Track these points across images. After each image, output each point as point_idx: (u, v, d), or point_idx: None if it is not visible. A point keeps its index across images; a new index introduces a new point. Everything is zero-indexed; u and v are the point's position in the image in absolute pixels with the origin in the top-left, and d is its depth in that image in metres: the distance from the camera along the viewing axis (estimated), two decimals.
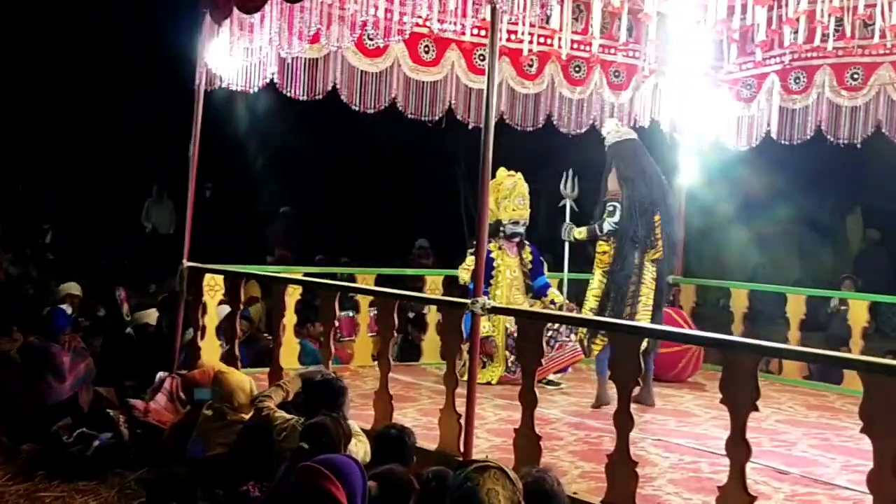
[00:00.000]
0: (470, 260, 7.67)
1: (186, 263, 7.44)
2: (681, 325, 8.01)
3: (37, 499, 5.58)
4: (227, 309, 7.54)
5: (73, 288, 9.66)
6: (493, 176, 7.71)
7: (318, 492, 3.52)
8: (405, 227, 15.64)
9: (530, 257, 7.87)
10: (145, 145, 15.69)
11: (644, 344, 5.29)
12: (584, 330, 7.01)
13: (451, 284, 9.08)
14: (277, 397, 5.36)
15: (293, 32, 6.38)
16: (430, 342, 8.62)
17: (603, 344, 6.85)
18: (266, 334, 8.74)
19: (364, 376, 7.72)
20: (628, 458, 4.42)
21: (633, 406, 4.47)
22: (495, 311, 5.42)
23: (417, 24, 6.56)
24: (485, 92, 5.23)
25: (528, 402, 4.89)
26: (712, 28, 6.79)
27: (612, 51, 8.28)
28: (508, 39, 7.70)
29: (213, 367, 6.23)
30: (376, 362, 8.02)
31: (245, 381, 5.84)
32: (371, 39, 7.05)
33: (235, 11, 6.49)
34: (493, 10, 5.01)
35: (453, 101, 7.82)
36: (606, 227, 6.92)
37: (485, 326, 6.93)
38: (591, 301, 7.03)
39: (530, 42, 7.74)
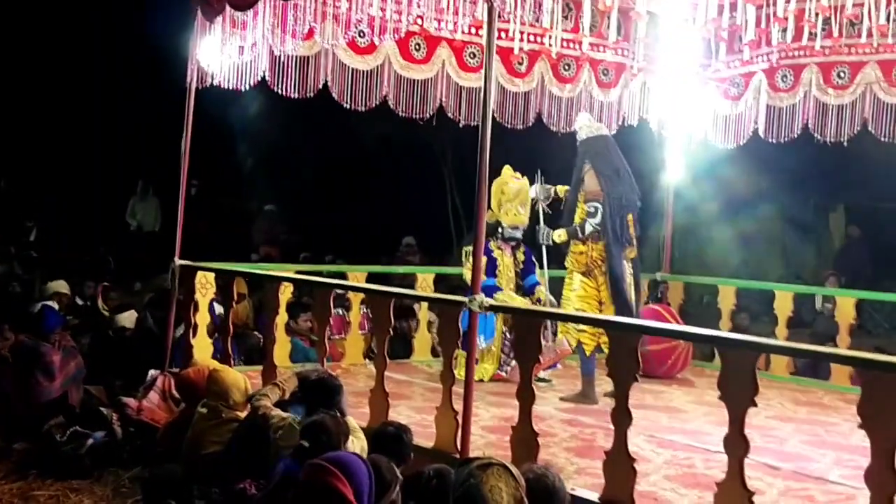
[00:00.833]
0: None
1: (178, 261, 7.42)
2: (670, 322, 8.06)
3: (31, 497, 5.55)
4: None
5: (61, 286, 9.60)
6: (498, 174, 7.77)
7: (325, 489, 3.54)
8: (392, 225, 15.64)
9: (523, 258, 7.90)
10: (131, 142, 15.61)
11: None
12: (573, 328, 7.06)
13: (440, 282, 9.12)
14: (274, 396, 5.35)
15: (286, 30, 6.37)
16: (422, 339, 8.65)
17: (594, 343, 6.91)
18: (255, 332, 8.72)
19: (356, 374, 7.73)
20: (626, 455, 4.45)
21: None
22: (493, 308, 5.43)
23: (411, 23, 6.58)
24: (479, 90, 5.24)
25: (526, 399, 4.92)
26: (701, 27, 6.84)
27: (602, 49, 8.31)
28: (499, 38, 7.68)
29: (207, 365, 6.20)
30: (367, 360, 8.13)
31: (240, 379, 5.83)
32: (363, 37, 7.07)
33: (228, 9, 6.47)
34: (490, 9, 5.03)
35: (444, 99, 7.83)
36: (588, 228, 6.96)
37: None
38: (574, 301, 7.05)
39: (521, 40, 7.76)
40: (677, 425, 6.38)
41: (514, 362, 7.34)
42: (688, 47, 7.91)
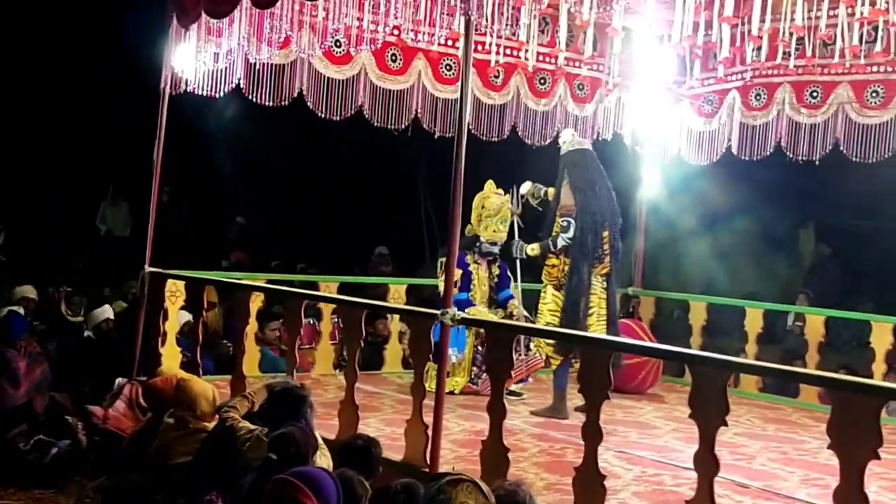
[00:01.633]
0: None
1: (148, 269, 7.35)
2: (641, 337, 8.09)
3: None
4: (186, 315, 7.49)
5: (29, 291, 9.50)
6: (480, 188, 7.76)
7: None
8: (364, 234, 15.59)
9: (498, 271, 7.89)
10: (104, 147, 15.46)
11: None
12: (545, 342, 7.05)
13: (412, 293, 9.08)
14: (242, 408, 5.30)
15: (262, 38, 6.34)
16: (393, 351, 8.61)
17: (561, 359, 6.91)
18: (225, 340, 8.66)
19: (325, 385, 7.68)
20: (596, 472, 4.45)
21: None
22: (465, 322, 5.41)
23: (388, 34, 6.57)
24: (454, 102, 5.22)
25: (497, 414, 4.90)
26: (676, 44, 6.87)
27: (577, 64, 8.34)
28: (476, 50, 7.69)
29: (174, 374, 6.14)
30: (337, 370, 8.08)
31: (208, 388, 5.78)
32: (339, 47, 7.05)
33: (204, 16, 6.43)
34: (468, 22, 5.03)
35: (419, 111, 7.82)
36: (561, 242, 6.96)
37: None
38: (545, 315, 7.05)
39: (497, 53, 7.77)
40: (647, 441, 6.38)
41: (485, 375, 7.33)
42: (663, 64, 7.94)
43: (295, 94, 7.22)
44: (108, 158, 15.20)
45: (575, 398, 6.58)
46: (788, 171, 8.89)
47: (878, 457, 3.55)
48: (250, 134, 15.17)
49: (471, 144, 7.38)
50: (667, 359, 7.66)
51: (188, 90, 7.13)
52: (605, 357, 4.51)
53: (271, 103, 7.15)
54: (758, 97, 8.28)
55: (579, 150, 7.26)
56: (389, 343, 8.66)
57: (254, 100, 7.12)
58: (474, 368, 7.62)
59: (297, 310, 6.21)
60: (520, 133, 8.36)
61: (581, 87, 8.56)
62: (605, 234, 7.04)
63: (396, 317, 8.54)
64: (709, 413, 4.05)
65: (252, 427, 5.09)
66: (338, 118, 7.43)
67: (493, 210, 7.75)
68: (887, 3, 5.99)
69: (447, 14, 6.34)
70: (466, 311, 7.07)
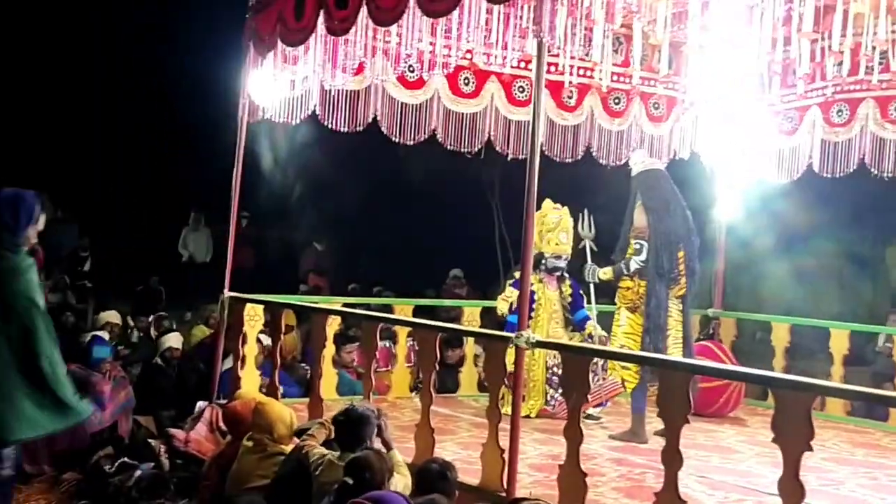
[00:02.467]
0: (509, 291, 7.66)
1: (227, 293, 7.46)
2: (722, 360, 7.92)
3: None
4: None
5: (112, 316, 9.74)
6: (538, 207, 7.72)
7: None
8: (439, 257, 15.63)
9: (570, 291, 7.82)
10: (184, 173, 15.82)
11: None
12: (620, 365, 6.96)
13: (486, 315, 9.05)
14: (321, 436, 5.36)
15: (336, 65, 6.42)
16: (468, 374, 8.58)
17: (636, 381, 6.81)
18: (303, 364, 8.73)
19: (402, 408, 7.69)
20: (676, 497, 4.34)
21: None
22: (540, 345, 5.36)
23: (460, 58, 6.60)
24: (527, 123, 5.20)
25: (574, 438, 4.82)
26: (755, 61, 6.76)
27: (652, 83, 8.26)
28: (549, 71, 7.69)
29: (253, 397, 6.21)
30: (413, 393, 8.08)
31: (285, 412, 5.84)
32: (412, 72, 7.10)
33: (280, 44, 6.54)
34: (540, 44, 5.01)
35: (492, 133, 7.83)
36: (633, 265, 6.88)
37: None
38: (620, 338, 6.98)
39: (570, 74, 7.74)
40: (729, 466, 6.23)
41: (560, 397, 7.26)
42: (741, 81, 7.80)
43: (369, 120, 7.29)
44: (190, 184, 15.54)
45: (654, 422, 6.48)
46: (873, 188, 8.65)
47: None
48: (326, 159, 15.37)
49: (545, 165, 7.44)
50: (747, 381, 7.49)
51: (265, 118, 7.25)
52: (683, 380, 4.42)
53: (346, 129, 7.23)
54: (840, 113, 8.08)
55: (651, 171, 7.17)
56: (465, 366, 8.63)
57: (329, 126, 7.21)
58: (549, 390, 7.55)
59: (372, 333, 6.23)
60: (594, 153, 8.31)
61: (657, 105, 8.48)
62: (681, 254, 6.93)
63: (471, 340, 8.52)
64: (793, 437, 3.93)
65: (324, 452, 5.13)
66: (411, 142, 7.48)
67: (553, 224, 7.70)
68: None
69: (519, 36, 6.33)
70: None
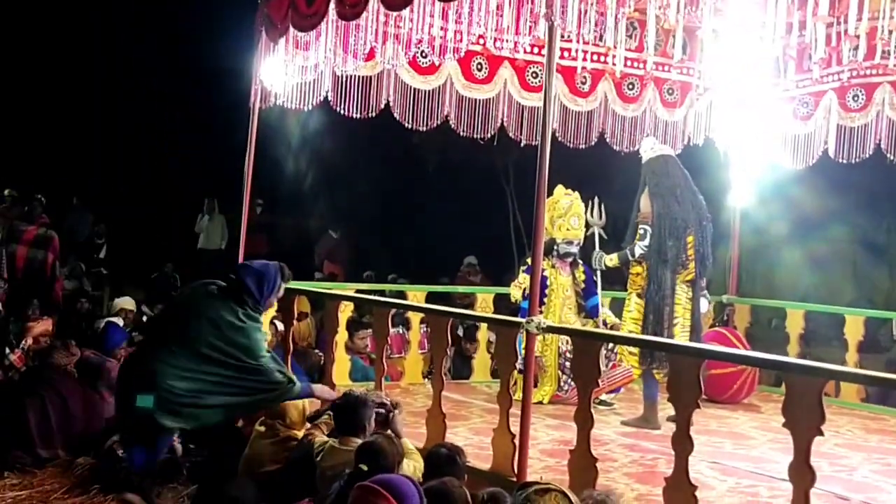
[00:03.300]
0: (522, 277, 7.65)
1: None
2: (735, 346, 7.89)
3: None
4: None
5: (127, 303, 9.79)
6: (550, 193, 7.69)
7: None
8: (453, 244, 15.64)
9: (583, 276, 7.81)
10: (199, 160, 15.88)
11: None
12: (628, 351, 6.96)
13: (500, 302, 9.04)
14: (328, 428, 5.40)
15: (348, 50, 6.40)
16: (481, 360, 8.59)
17: (642, 368, 6.81)
18: (317, 350, 8.75)
19: (415, 394, 7.70)
20: (687, 482, 4.33)
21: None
22: (551, 330, 5.35)
23: (472, 43, 6.57)
24: (540, 109, 5.17)
25: (584, 423, 4.82)
26: (769, 45, 6.71)
27: (666, 68, 8.22)
28: (562, 57, 7.67)
29: None
30: (427, 379, 8.09)
31: None
32: (424, 57, 7.08)
33: (291, 29, 6.53)
34: (551, 28, 4.98)
35: (506, 119, 7.81)
36: (638, 251, 6.86)
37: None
38: (628, 324, 6.97)
39: (584, 59, 7.71)
40: (742, 452, 6.22)
41: (572, 383, 7.25)
42: (755, 66, 7.75)
43: (382, 106, 7.28)
44: (206, 171, 15.60)
45: (667, 408, 6.46)
46: (889, 173, 8.58)
47: None
48: (341, 147, 15.38)
49: (562, 153, 7.42)
50: (758, 366, 7.48)
51: (277, 103, 7.24)
52: (694, 365, 4.41)
53: (359, 115, 7.22)
54: (856, 98, 8.01)
55: (660, 157, 7.13)
56: (478, 352, 8.64)
57: (342, 112, 7.20)
58: (562, 376, 7.54)
59: (384, 318, 6.24)
60: (608, 139, 8.28)
61: (671, 91, 8.43)
62: (690, 239, 6.89)
63: (484, 327, 8.52)
64: (803, 422, 3.90)
65: (325, 439, 5.22)
66: (424, 128, 7.47)
67: (564, 209, 7.68)
68: None
69: (531, 21, 6.30)
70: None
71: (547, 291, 7.61)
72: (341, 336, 7.54)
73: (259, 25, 7.06)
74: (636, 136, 8.32)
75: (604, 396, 7.41)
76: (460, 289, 11.12)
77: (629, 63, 7.95)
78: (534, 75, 7.78)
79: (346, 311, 7.65)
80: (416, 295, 8.65)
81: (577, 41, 7.30)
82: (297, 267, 13.15)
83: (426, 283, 10.40)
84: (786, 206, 11.85)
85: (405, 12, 5.82)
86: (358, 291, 8.50)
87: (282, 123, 13.14)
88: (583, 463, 4.78)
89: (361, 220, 17.00)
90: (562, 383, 7.54)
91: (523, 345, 5.18)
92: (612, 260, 7.15)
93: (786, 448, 4.01)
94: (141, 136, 16.51)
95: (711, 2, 6.15)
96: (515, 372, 5.54)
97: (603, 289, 7.68)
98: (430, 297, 8.76)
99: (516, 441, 5.05)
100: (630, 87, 8.28)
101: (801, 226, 13.09)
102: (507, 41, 6.85)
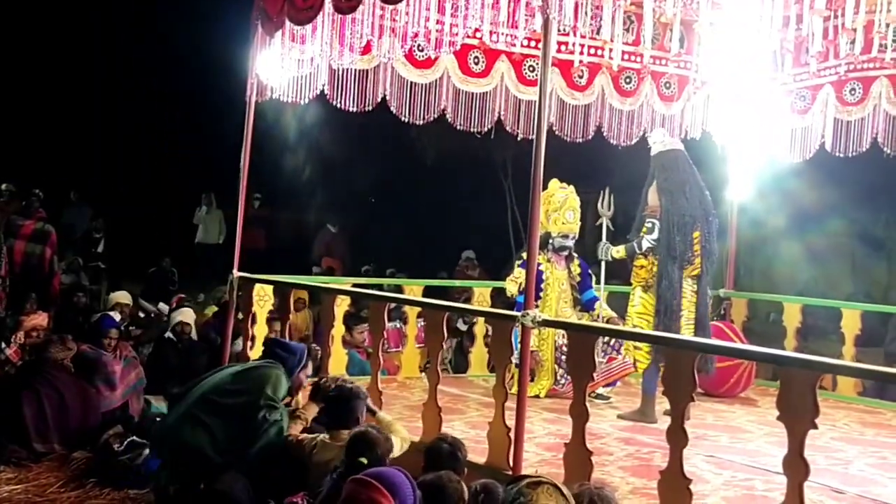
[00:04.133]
0: (518, 272, 7.63)
1: (236, 273, 7.48)
2: (732, 340, 7.89)
3: None
4: None
5: (123, 297, 9.78)
6: (545, 187, 7.68)
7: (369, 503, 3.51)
8: (451, 239, 15.64)
9: (579, 270, 7.80)
10: (197, 154, 15.88)
11: None
12: (632, 345, 6.95)
13: (498, 296, 9.05)
14: (298, 427, 5.43)
15: (344, 44, 6.39)
16: (478, 354, 8.59)
17: (647, 361, 6.79)
18: (314, 344, 8.75)
19: (411, 388, 7.71)
20: (681, 475, 4.34)
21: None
22: (546, 324, 5.35)
23: (468, 36, 6.55)
24: (536, 103, 5.16)
25: (579, 416, 4.83)
26: (767, 39, 6.69)
27: (663, 62, 8.20)
28: (559, 51, 7.66)
29: None
30: (423, 373, 8.09)
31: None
32: (421, 51, 7.06)
33: (287, 23, 6.52)
34: (546, 22, 4.98)
35: (502, 113, 7.80)
36: (645, 244, 6.84)
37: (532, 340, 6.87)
38: (633, 318, 6.96)
39: (581, 53, 7.70)
40: (738, 445, 6.22)
41: (569, 376, 7.25)
42: (753, 60, 7.73)
43: (378, 100, 7.27)
44: (203, 166, 15.60)
45: (664, 402, 6.46)
46: (886, 167, 8.58)
47: None
48: (339, 141, 15.38)
49: (556, 145, 7.40)
50: (753, 360, 7.48)
51: (274, 97, 7.23)
52: (689, 359, 4.41)
53: (355, 109, 7.21)
54: (853, 92, 8.00)
55: (670, 151, 7.08)
56: (474, 346, 8.64)
57: (338, 106, 7.19)
58: (559, 370, 7.54)
59: (380, 312, 6.24)
60: (605, 133, 8.27)
61: (668, 85, 8.41)
62: (696, 234, 6.88)
63: (481, 321, 8.52)
64: (798, 415, 3.91)
65: (313, 436, 5.25)
66: (420, 122, 7.46)
67: (559, 203, 7.67)
68: None
69: (528, 15, 6.29)
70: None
71: (543, 286, 7.61)
72: (338, 330, 7.55)
73: (255, 19, 7.03)
74: (633, 130, 8.32)
75: (600, 390, 7.42)
76: (458, 283, 11.11)
77: (626, 57, 7.92)
78: (531, 69, 7.77)
79: (342, 305, 7.65)
80: (413, 289, 8.65)
81: (574, 35, 7.28)
82: (296, 261, 13.24)
83: (424, 277, 10.41)
84: (783, 199, 11.84)
85: (401, 6, 5.82)
86: (355, 286, 8.50)
87: (279, 117, 13.12)
88: (578, 456, 4.78)
89: (359, 214, 17.01)
90: (558, 377, 7.54)
91: (519, 339, 5.18)
92: (618, 252, 7.10)
93: (782, 442, 4.02)
94: (139, 133, 16.52)
95: None
96: (512, 366, 5.54)
97: (607, 282, 7.64)
98: (428, 292, 8.76)
99: (512, 434, 5.06)
100: (627, 80, 8.26)
101: (799, 219, 13.09)
102: (504, 34, 6.82)
